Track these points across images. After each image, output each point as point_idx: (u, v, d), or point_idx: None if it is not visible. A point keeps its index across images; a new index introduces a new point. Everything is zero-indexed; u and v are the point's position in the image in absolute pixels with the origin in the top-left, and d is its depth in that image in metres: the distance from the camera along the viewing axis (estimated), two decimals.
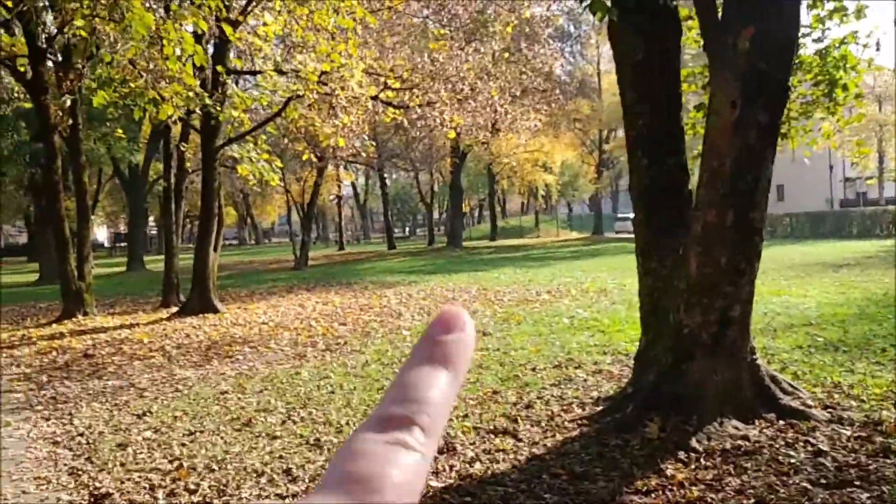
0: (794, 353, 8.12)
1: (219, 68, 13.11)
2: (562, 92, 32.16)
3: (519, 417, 6.33)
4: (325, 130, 14.12)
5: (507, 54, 19.42)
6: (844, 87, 6.88)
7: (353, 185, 66.47)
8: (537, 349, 9.45)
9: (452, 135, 15.82)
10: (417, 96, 14.33)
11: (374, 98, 14.51)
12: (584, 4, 5.53)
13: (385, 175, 47.66)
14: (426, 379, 0.42)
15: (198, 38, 10.19)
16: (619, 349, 8.99)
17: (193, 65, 9.18)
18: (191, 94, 11.20)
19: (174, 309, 16.14)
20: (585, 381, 7.51)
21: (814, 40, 7.04)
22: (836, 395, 6.19)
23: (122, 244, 56.46)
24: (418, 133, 21.39)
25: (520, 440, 5.76)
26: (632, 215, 6.83)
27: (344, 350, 10.69)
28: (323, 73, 13.01)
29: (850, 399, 6.06)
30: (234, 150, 15.11)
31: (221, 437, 6.56)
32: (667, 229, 6.05)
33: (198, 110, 13.47)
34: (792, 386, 6.00)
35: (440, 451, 5.62)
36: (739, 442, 5.12)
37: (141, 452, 6.22)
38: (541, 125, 20.87)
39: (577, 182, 57.28)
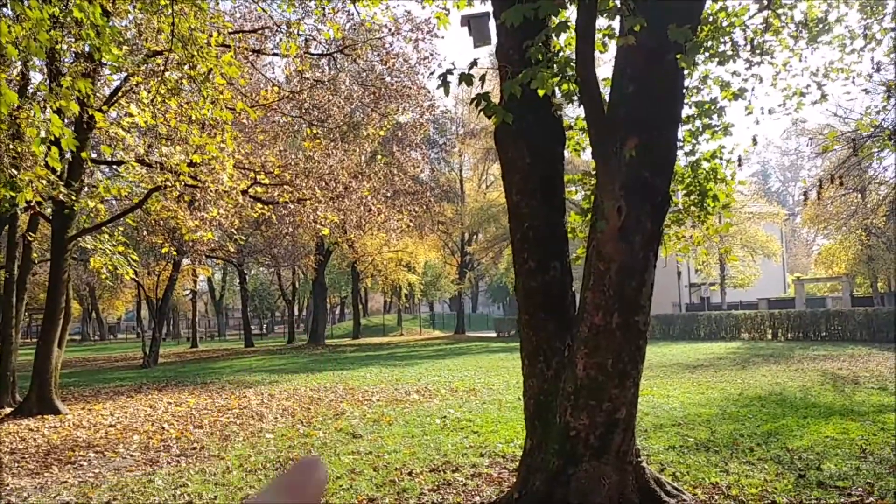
0: (668, 454, 8.26)
1: (84, 154, 12.46)
2: (430, 195, 32.88)
3: None
4: (188, 224, 13.59)
5: (380, 156, 19.66)
6: (715, 198, 7.32)
7: (210, 281, 64.40)
8: (412, 451, 9.15)
9: (327, 231, 15.64)
10: (289, 192, 14.12)
11: (244, 192, 14.19)
12: (480, 108, 5.63)
13: (245, 271, 46.47)
14: None
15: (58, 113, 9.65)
16: (496, 451, 8.86)
17: (60, 149, 8.63)
18: (44, 182, 10.54)
19: (7, 410, 14.65)
20: (465, 485, 7.29)
21: (685, 153, 7.49)
22: (716, 496, 6.29)
23: None
24: (287, 229, 21.04)
25: None
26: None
27: (201, 455, 9.96)
28: (192, 164, 12.63)
29: (730, 500, 6.17)
30: (86, 241, 14.26)
31: None
32: (553, 331, 6.07)
33: (49, 199, 12.69)
34: (675, 488, 6.04)
35: None
36: None
37: None
38: (410, 225, 21.10)
39: (439, 282, 58.01)
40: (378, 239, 44.48)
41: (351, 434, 10.78)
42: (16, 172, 8.32)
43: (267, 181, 15.13)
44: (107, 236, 13.62)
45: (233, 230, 14.17)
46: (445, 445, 9.41)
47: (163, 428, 12.40)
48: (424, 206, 30.40)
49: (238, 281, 46.05)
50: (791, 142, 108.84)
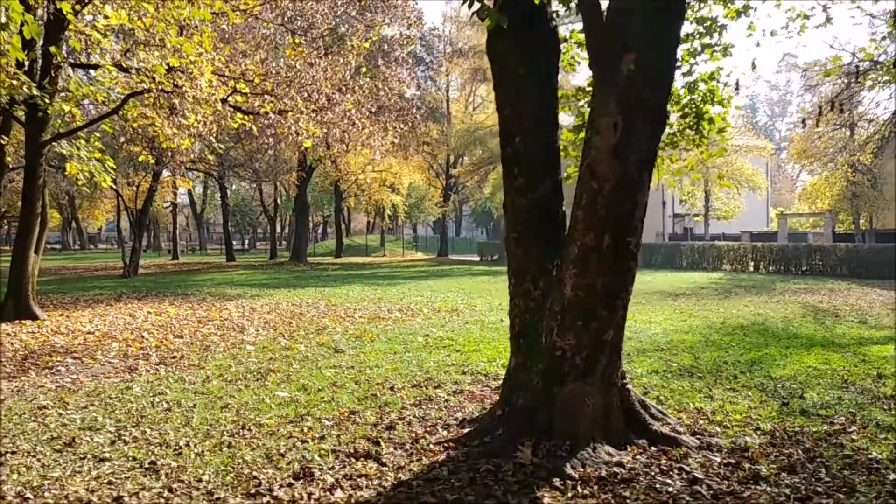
0: (652, 378, 8.25)
1: (52, 49, 11.92)
2: (416, 113, 32.25)
3: (381, 439, 5.94)
4: (165, 131, 13.14)
5: (364, 69, 19.08)
6: (711, 121, 7.07)
7: (191, 194, 63.74)
8: (394, 367, 9.10)
9: (308, 144, 15.20)
10: (270, 102, 13.61)
11: (224, 101, 13.68)
12: (473, 10, 5.30)
13: (226, 185, 45.88)
14: None
15: (28, 9, 9.14)
16: (478, 369, 8.81)
17: (23, 38, 8.17)
18: (15, 81, 10.07)
19: None
20: (447, 401, 7.24)
21: (683, 73, 7.20)
22: (700, 421, 6.26)
23: None
24: (267, 141, 20.53)
25: (384, 464, 5.37)
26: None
27: (181, 364, 9.86)
28: (170, 68, 12.12)
29: (715, 425, 6.14)
30: (62, 146, 13.81)
31: (38, 460, 5.71)
32: (542, 251, 5.89)
33: (21, 100, 12.22)
34: (660, 412, 5.99)
35: (296, 477, 5.13)
36: (615, 469, 5.00)
37: None
38: (395, 143, 20.62)
39: (423, 204, 57.75)
40: (362, 157, 43.91)
41: (333, 349, 10.70)
42: None
43: (247, 90, 14.63)
44: (83, 142, 13.15)
45: (212, 139, 13.64)
46: (427, 363, 9.36)
47: (142, 336, 12.28)
48: (410, 125, 29.84)
49: (220, 195, 45.43)
50: (781, 76, 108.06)
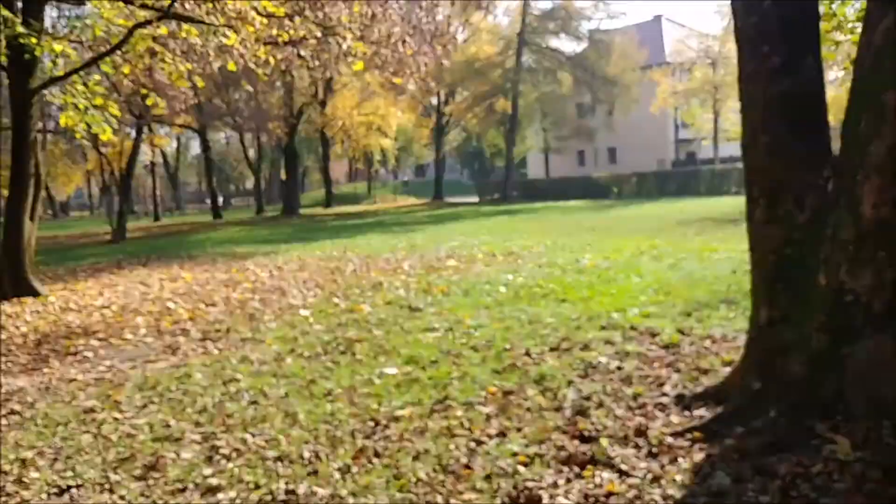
0: None
1: None
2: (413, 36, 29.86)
3: (587, 433, 4.32)
4: (178, 68, 11.15)
5: None
6: None
7: (163, 153, 61.03)
8: (504, 326, 7.44)
9: (360, 66, 13.18)
10: (311, 21, 11.43)
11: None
12: None
13: (207, 139, 43.45)
14: None
15: None
16: (616, 322, 7.16)
17: None
18: None
19: None
20: (621, 368, 5.61)
21: None
22: None
23: None
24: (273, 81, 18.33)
25: (625, 473, 3.77)
26: None
27: (231, 339, 8.18)
28: None
29: None
30: (54, 94, 11.82)
31: (119, 495, 4.06)
32: (804, 157, 4.22)
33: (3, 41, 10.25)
34: None
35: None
36: None
37: None
38: (431, 68, 18.53)
39: (410, 147, 55.66)
40: (347, 101, 41.69)
41: (407, 307, 9.03)
42: None
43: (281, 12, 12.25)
44: (80, 87, 11.13)
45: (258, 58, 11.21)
46: (541, 318, 7.70)
47: (168, 308, 10.54)
48: (450, 48, 27.11)
49: (201, 149, 42.83)
50: None
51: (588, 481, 3.70)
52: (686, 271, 10.11)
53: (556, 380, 5.45)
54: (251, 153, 46.92)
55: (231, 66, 11.04)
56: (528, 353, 6.26)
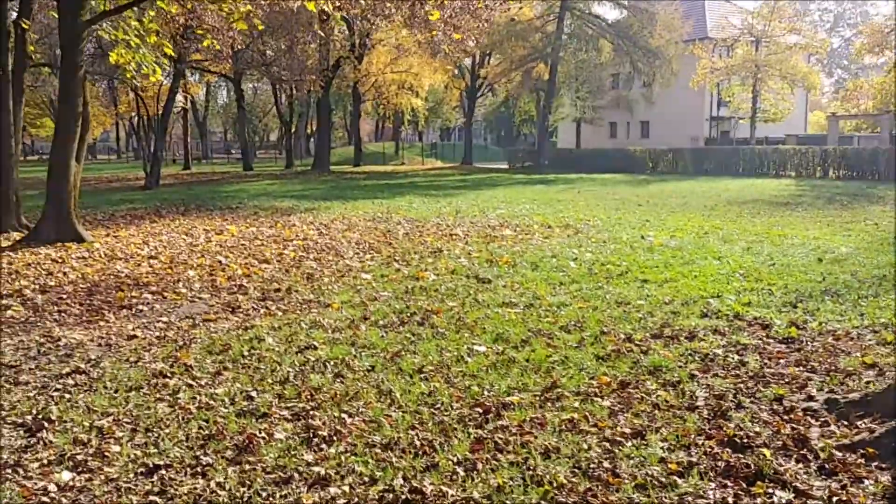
0: None
1: None
2: None
3: (738, 439, 3.84)
4: (239, 8, 10.59)
5: None
6: None
7: (193, 101, 60.53)
8: (590, 306, 6.96)
9: (458, 36, 12.60)
10: None
11: None
12: None
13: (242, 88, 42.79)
14: None
15: None
16: (714, 309, 6.66)
17: None
18: None
19: (16, 236, 12.21)
20: (743, 363, 5.12)
21: None
22: None
23: None
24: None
25: (800, 492, 3.30)
26: None
27: (293, 300, 7.77)
28: None
29: None
30: (105, 29, 11.29)
31: (209, 481, 3.63)
32: None
33: None
34: None
35: None
36: None
37: None
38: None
39: (440, 108, 54.81)
40: (384, 55, 40.87)
41: (474, 278, 8.56)
42: None
43: None
44: (134, 23, 10.60)
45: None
46: (628, 299, 7.21)
47: (219, 262, 10.14)
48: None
49: (236, 97, 42.05)
50: None
51: (763, 500, 3.24)
52: (764, 256, 9.57)
53: (673, 372, 4.98)
54: (285, 105, 46.26)
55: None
56: (629, 339, 5.79)
